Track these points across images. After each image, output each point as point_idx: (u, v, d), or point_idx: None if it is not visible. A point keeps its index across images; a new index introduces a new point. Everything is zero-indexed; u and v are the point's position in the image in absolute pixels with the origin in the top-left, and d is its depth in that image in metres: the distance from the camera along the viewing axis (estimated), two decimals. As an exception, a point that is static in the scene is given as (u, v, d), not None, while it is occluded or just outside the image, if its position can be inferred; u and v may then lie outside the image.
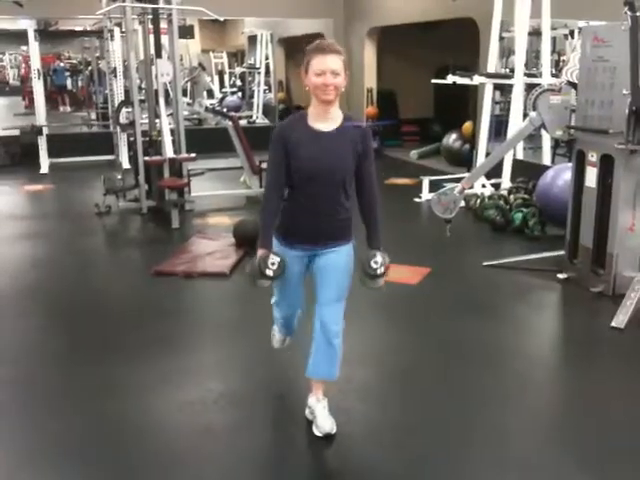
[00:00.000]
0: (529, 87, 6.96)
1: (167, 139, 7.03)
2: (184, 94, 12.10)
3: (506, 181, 7.41)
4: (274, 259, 2.75)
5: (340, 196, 2.80)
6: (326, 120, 2.75)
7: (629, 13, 4.26)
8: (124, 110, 8.36)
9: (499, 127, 8.16)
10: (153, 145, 7.33)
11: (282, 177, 2.77)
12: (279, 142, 2.75)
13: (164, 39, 7.53)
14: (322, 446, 2.94)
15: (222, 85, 18.71)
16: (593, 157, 4.72)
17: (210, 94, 17.35)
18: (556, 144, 8.12)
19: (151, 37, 7.27)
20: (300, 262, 2.90)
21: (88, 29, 13.56)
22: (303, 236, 2.85)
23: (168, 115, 7.38)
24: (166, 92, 7.67)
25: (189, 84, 14.71)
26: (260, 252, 2.78)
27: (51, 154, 10.45)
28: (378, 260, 2.81)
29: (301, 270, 2.93)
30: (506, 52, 9.79)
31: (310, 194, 2.78)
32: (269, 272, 2.74)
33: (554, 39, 9.60)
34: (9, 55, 26.70)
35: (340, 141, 2.75)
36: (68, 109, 18.93)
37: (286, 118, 2.95)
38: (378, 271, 2.82)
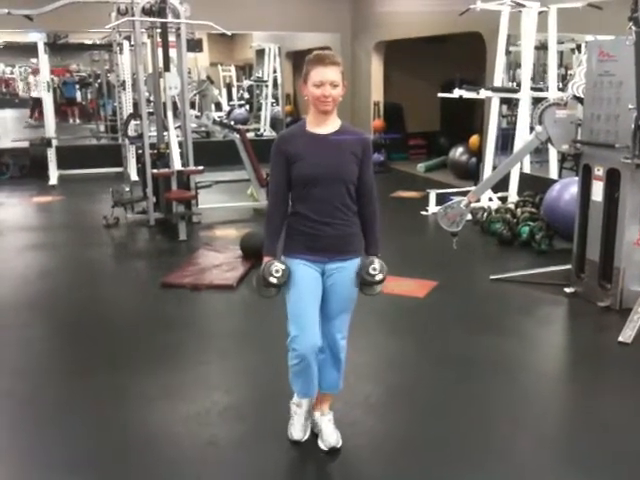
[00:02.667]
0: (536, 101, 6.97)
1: (175, 152, 7.07)
2: (192, 107, 12.19)
3: (513, 195, 7.42)
4: (278, 266, 2.75)
5: (343, 203, 2.77)
6: (325, 126, 2.77)
7: (634, 28, 4.26)
8: (132, 123, 8.41)
9: (506, 141, 8.17)
10: (161, 158, 7.37)
11: (285, 186, 2.79)
12: (279, 151, 2.78)
13: (172, 52, 7.59)
14: (327, 460, 2.93)
15: (230, 98, 18.80)
16: (599, 171, 4.72)
17: (218, 107, 17.44)
18: (563, 158, 8.11)
19: (160, 50, 7.33)
20: (311, 271, 2.81)
21: (97, 42, 13.63)
22: (309, 247, 2.80)
23: (176, 128, 7.42)
24: (174, 105, 7.72)
25: (197, 97, 14.83)
26: (264, 260, 2.80)
27: (60, 166, 10.52)
28: (376, 267, 2.79)
29: (314, 281, 2.82)
30: (513, 66, 9.80)
31: (313, 201, 2.75)
32: (273, 279, 2.75)
33: (561, 53, 9.62)
34: (19, 68, 26.90)
35: (339, 144, 2.76)
36: (77, 121, 19.05)
37: (284, 130, 2.97)
38: (377, 277, 2.80)
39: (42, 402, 3.50)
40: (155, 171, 7.13)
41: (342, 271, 2.83)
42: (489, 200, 7.55)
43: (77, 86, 20.15)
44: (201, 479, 2.84)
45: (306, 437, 3.04)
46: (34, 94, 18.73)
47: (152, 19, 7.17)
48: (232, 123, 11.05)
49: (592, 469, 2.91)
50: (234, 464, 2.95)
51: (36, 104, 17.91)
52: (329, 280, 2.85)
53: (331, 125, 2.78)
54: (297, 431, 3.03)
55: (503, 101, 8.33)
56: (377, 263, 2.80)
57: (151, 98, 8.26)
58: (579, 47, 9.55)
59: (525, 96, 7.43)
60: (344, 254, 2.84)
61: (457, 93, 8.03)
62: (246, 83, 18.29)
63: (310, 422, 3.07)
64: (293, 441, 3.02)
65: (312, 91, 2.69)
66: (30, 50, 12.36)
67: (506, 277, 5.37)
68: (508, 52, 8.18)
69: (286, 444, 3.05)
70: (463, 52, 10.11)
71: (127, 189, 7.97)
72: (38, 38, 10.44)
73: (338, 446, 2.96)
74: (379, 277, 2.80)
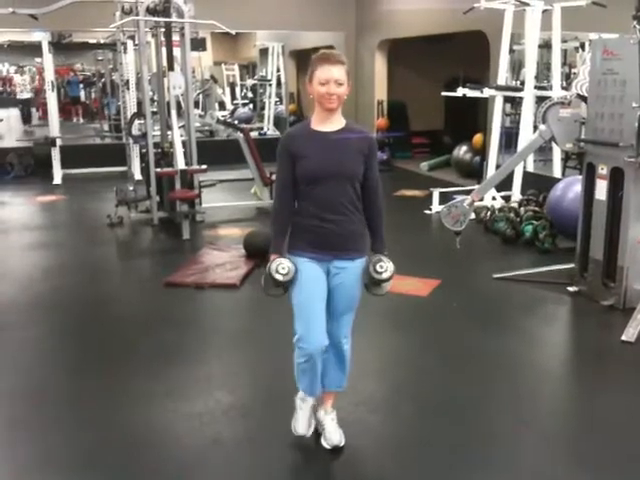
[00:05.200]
0: (539, 100, 6.96)
1: (179, 151, 7.08)
2: (196, 106, 12.21)
3: (516, 193, 7.41)
4: (284, 264, 2.76)
5: (348, 200, 2.77)
6: (329, 124, 2.78)
7: (638, 27, 4.27)
8: (136, 122, 8.42)
9: (509, 139, 8.17)
10: (165, 157, 7.39)
11: (290, 185, 2.79)
12: (284, 149, 2.79)
13: (176, 52, 7.60)
14: (331, 458, 2.94)
15: (234, 97, 18.82)
16: (603, 170, 4.72)
17: (222, 106, 17.46)
18: (566, 156, 8.11)
19: (164, 50, 7.35)
20: (317, 269, 2.81)
21: (102, 42, 13.66)
22: (314, 245, 2.79)
23: (180, 127, 7.44)
24: (178, 104, 7.73)
25: (201, 96, 14.84)
26: (271, 258, 2.80)
27: (64, 165, 10.54)
28: (383, 265, 2.79)
29: (319, 280, 2.82)
30: (516, 65, 9.80)
31: (317, 199, 2.76)
32: (279, 277, 2.74)
33: (565, 52, 9.62)
34: (16, 67, 26.92)
35: (344, 142, 2.76)
36: (81, 121, 19.09)
37: (291, 127, 2.97)
38: (384, 275, 2.79)
39: (44, 400, 3.51)
40: (159, 170, 7.15)
41: (347, 271, 2.83)
42: (492, 199, 7.55)
43: (81, 85, 20.21)
44: (206, 478, 2.85)
45: (311, 431, 3.03)
46: (23, 95, 18.10)
47: (156, 18, 7.18)
48: (236, 122, 11.06)
49: (596, 468, 2.91)
50: (238, 462, 2.96)
51: (25, 106, 17.69)
52: (334, 280, 2.84)
53: (336, 123, 2.78)
54: (302, 426, 3.01)
55: (507, 100, 8.32)
56: (384, 260, 2.80)
57: (155, 97, 8.27)
58: (583, 45, 9.55)
59: (529, 95, 7.42)
60: (349, 253, 2.82)
61: (461, 92, 8.04)
62: (250, 82, 18.31)
63: (314, 417, 3.07)
64: (298, 435, 3.01)
65: (317, 89, 2.70)
66: (35, 49, 12.41)
67: (509, 276, 5.36)
68: (512, 51, 8.17)
69: (290, 442, 3.06)
70: (467, 51, 10.10)
71: (131, 188, 7.98)
72: (42, 37, 10.46)
73: (341, 445, 2.96)
74: (386, 275, 2.79)
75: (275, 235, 2.86)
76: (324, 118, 2.77)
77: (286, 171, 2.78)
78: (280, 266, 2.75)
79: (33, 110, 18.54)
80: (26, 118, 17.44)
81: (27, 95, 17.80)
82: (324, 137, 2.76)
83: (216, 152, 9.41)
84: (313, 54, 2.78)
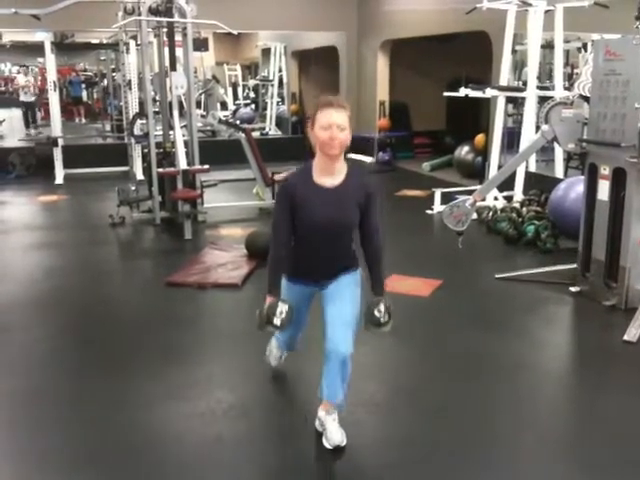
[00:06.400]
0: (542, 100, 6.96)
1: (181, 151, 7.09)
2: (198, 106, 12.21)
3: (518, 193, 7.40)
4: (282, 308, 2.83)
5: (344, 245, 2.93)
6: (331, 174, 2.81)
7: (641, 27, 4.26)
8: (138, 122, 8.43)
9: (511, 139, 8.16)
10: (167, 157, 7.40)
11: (288, 230, 2.87)
12: (285, 199, 2.83)
13: (179, 52, 7.61)
14: (332, 458, 2.94)
15: (236, 97, 18.84)
16: (605, 170, 4.71)
17: (224, 106, 17.47)
18: (569, 157, 8.10)
19: (166, 50, 7.34)
20: (305, 295, 3.06)
21: (104, 42, 13.68)
22: (306, 275, 2.99)
23: (182, 127, 7.44)
24: (180, 104, 7.73)
25: (203, 96, 14.85)
26: (268, 300, 2.87)
27: (66, 165, 10.56)
28: (381, 309, 2.87)
29: (307, 302, 3.10)
30: (519, 65, 9.79)
31: (314, 244, 2.89)
32: (277, 321, 2.82)
33: (567, 52, 9.61)
34: (20, 67, 26.95)
35: (344, 196, 2.82)
36: (83, 120, 19.10)
37: (291, 174, 2.97)
38: (382, 320, 2.88)
39: (45, 401, 3.51)
40: (161, 170, 7.15)
41: (338, 280, 2.97)
42: (494, 199, 7.54)
43: (83, 85, 20.23)
44: (206, 478, 2.85)
45: (284, 358, 3.58)
46: (25, 98, 17.69)
47: (159, 19, 7.19)
48: (238, 122, 11.06)
49: (597, 468, 2.91)
50: (239, 462, 2.95)
51: (30, 109, 17.45)
52: (327, 290, 2.98)
53: (338, 174, 2.82)
54: (274, 360, 3.58)
55: (509, 100, 8.31)
56: (382, 305, 2.88)
57: (157, 97, 8.28)
58: (585, 46, 9.54)
59: (531, 95, 7.42)
60: (341, 274, 2.97)
61: (463, 92, 8.04)
62: (252, 82, 18.33)
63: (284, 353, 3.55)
64: (276, 356, 3.56)
65: (319, 134, 2.72)
66: (37, 49, 12.42)
67: (511, 276, 5.36)
68: (514, 51, 8.16)
69: (291, 442, 3.06)
70: (469, 51, 10.10)
71: (133, 188, 7.98)
72: (45, 37, 10.47)
73: (342, 445, 2.96)
74: (384, 319, 2.88)
75: (272, 276, 2.93)
76: (326, 167, 2.80)
77: (284, 219, 2.85)
78: (278, 310, 2.82)
79: (37, 113, 18.34)
80: (30, 121, 17.15)
81: (31, 98, 17.39)
82: (325, 192, 2.81)
83: (218, 152, 9.42)
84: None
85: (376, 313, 2.86)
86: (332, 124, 2.69)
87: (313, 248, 2.90)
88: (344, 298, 2.94)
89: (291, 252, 2.93)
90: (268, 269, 2.94)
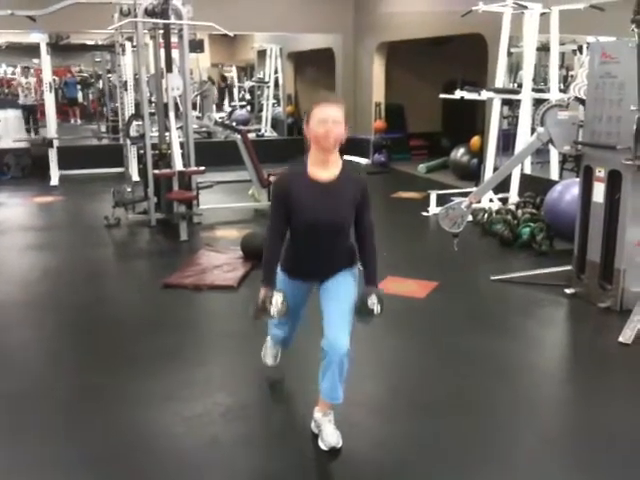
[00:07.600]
0: (537, 102, 6.98)
1: (177, 152, 7.08)
2: (194, 108, 12.19)
3: (514, 196, 7.42)
4: (277, 297, 2.88)
5: (340, 240, 2.95)
6: (326, 167, 2.85)
7: (636, 30, 4.28)
8: (134, 123, 8.42)
9: (507, 142, 8.17)
10: (163, 158, 7.38)
11: (283, 225, 2.91)
12: (280, 195, 2.87)
13: (175, 53, 7.61)
14: (327, 460, 2.94)
15: (231, 99, 18.83)
16: (601, 172, 4.73)
17: (219, 107, 17.45)
18: (564, 159, 8.12)
19: (162, 51, 7.34)
20: (303, 290, 3.10)
21: (100, 43, 13.67)
22: (305, 274, 3.04)
23: (178, 128, 7.43)
24: (176, 106, 7.73)
25: (199, 98, 14.84)
26: (263, 290, 2.91)
27: (61, 166, 10.53)
28: (374, 300, 2.91)
29: (304, 296, 3.14)
30: (514, 67, 9.82)
31: (310, 241, 2.92)
32: (273, 310, 2.87)
33: (562, 55, 9.63)
34: (20, 68, 26.89)
35: (339, 191, 2.85)
36: (79, 122, 19.06)
37: (286, 170, 2.96)
38: (375, 311, 2.92)
39: (43, 403, 3.50)
40: (156, 171, 7.14)
41: (337, 277, 3.00)
42: (490, 201, 7.56)
43: (79, 86, 20.20)
44: (204, 479, 2.84)
45: (279, 357, 3.60)
46: (25, 100, 16.85)
47: (154, 20, 7.18)
48: (233, 124, 11.06)
49: (593, 470, 2.91)
50: (237, 464, 2.95)
51: (30, 113, 17.18)
52: (325, 286, 3.01)
53: (332, 168, 2.85)
54: (270, 359, 3.60)
55: (504, 102, 8.33)
56: (375, 296, 2.93)
57: (153, 99, 8.27)
58: (581, 48, 9.55)
59: (526, 97, 7.43)
60: (339, 271, 3.01)
61: (459, 94, 8.05)
62: (247, 84, 18.32)
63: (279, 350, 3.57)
64: (272, 355, 3.60)
65: (315, 129, 2.76)
66: (32, 51, 12.38)
67: (507, 278, 5.37)
68: (510, 53, 8.19)
69: (288, 444, 3.06)
70: (465, 53, 10.13)
71: (128, 189, 7.96)
72: (40, 39, 10.45)
73: (338, 446, 2.96)
74: (377, 309, 2.93)
75: (267, 267, 2.97)
76: (321, 161, 2.83)
77: (279, 215, 2.89)
78: (274, 300, 2.87)
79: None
80: (32, 126, 16.83)
81: (31, 101, 16.98)
82: (320, 187, 2.83)
83: (214, 153, 9.40)
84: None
85: (369, 304, 2.91)
86: (328, 118, 2.73)
87: (310, 245, 2.93)
88: (341, 295, 2.97)
89: (289, 250, 2.98)
90: (263, 260, 2.98)
